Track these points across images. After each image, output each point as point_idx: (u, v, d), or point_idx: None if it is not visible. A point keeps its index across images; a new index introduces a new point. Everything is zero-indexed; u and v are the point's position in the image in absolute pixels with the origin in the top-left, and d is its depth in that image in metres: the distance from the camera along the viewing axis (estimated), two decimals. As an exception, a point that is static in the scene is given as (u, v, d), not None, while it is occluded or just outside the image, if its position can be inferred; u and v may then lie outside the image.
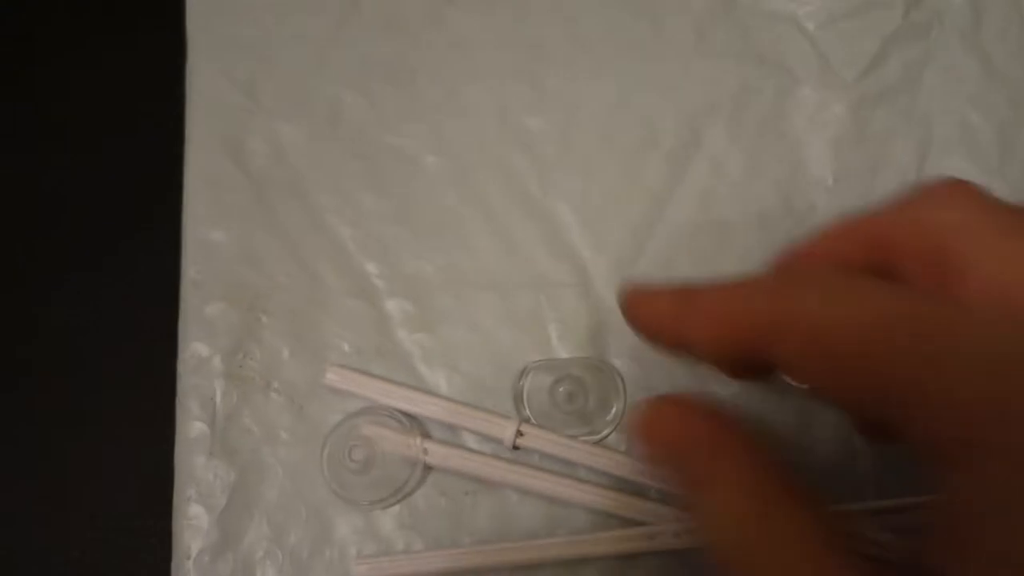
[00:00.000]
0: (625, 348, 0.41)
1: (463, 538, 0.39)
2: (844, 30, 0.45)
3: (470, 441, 0.40)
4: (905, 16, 0.45)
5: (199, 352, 0.41)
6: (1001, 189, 0.43)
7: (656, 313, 0.26)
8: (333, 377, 0.40)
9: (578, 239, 0.42)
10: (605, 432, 0.40)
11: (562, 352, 0.41)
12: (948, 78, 0.45)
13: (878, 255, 0.25)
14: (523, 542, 0.38)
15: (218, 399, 0.40)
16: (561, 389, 0.40)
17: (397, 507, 0.39)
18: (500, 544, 0.38)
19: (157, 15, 0.46)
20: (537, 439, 0.39)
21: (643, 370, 0.41)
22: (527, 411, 0.40)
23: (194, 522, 0.39)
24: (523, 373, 0.40)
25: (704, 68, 0.45)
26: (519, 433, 0.39)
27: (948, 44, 0.45)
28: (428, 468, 0.39)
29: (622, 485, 0.39)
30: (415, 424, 0.39)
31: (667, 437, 0.23)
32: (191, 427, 0.40)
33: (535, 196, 0.43)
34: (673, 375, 0.40)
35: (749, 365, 0.24)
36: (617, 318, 0.41)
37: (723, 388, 0.40)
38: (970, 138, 0.44)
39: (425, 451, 0.39)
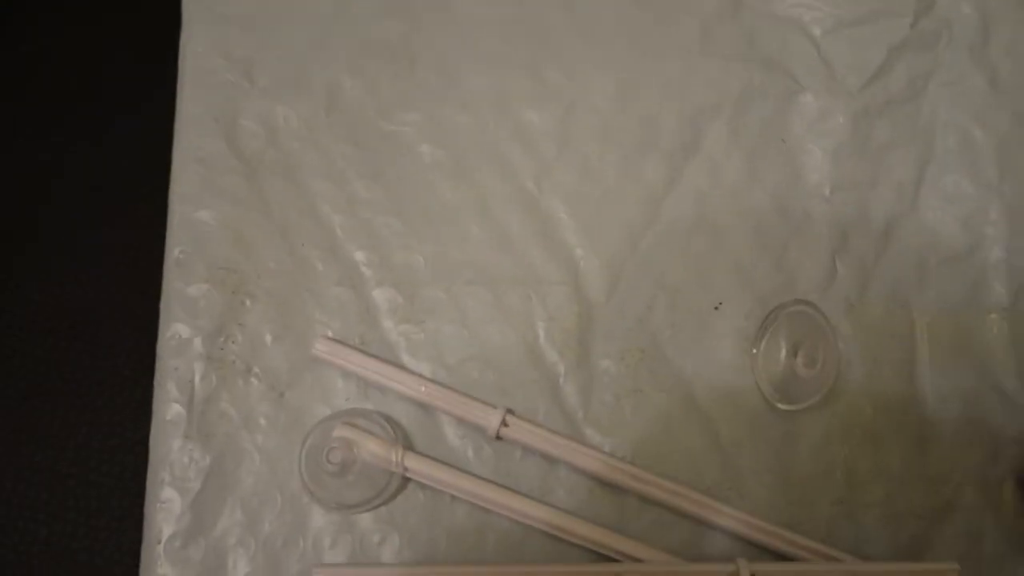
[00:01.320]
0: (612, 349, 0.40)
1: (440, 535, 0.38)
2: (851, 37, 0.45)
3: (451, 431, 0.40)
4: (914, 25, 0.45)
5: (180, 333, 0.40)
6: (997, 206, 0.42)
7: None
8: (321, 348, 0.40)
9: (572, 237, 0.42)
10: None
11: (550, 350, 0.40)
12: (953, 91, 0.44)
13: None
14: (486, 567, 0.38)
15: (197, 381, 0.40)
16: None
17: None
18: (463, 568, 0.38)
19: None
20: (521, 431, 0.39)
21: (629, 370, 0.40)
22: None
23: (167, 505, 0.38)
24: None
25: (708, 68, 0.44)
26: (504, 423, 0.38)
27: (956, 56, 0.45)
28: (406, 480, 0.39)
29: (602, 489, 0.39)
30: (398, 433, 0.39)
31: None
32: (168, 408, 0.39)
33: (531, 191, 0.42)
34: (659, 377, 0.40)
35: None
36: (604, 318, 0.41)
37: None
38: (970, 153, 0.43)
39: (405, 468, 0.38)
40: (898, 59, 0.44)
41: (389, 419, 0.39)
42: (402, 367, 0.40)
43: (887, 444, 0.40)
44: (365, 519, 0.38)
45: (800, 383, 0.40)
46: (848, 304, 0.41)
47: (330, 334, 0.41)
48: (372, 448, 0.38)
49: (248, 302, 0.41)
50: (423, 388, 0.39)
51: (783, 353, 0.40)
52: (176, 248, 0.41)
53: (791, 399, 0.39)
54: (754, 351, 0.40)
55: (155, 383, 0.40)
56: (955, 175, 0.43)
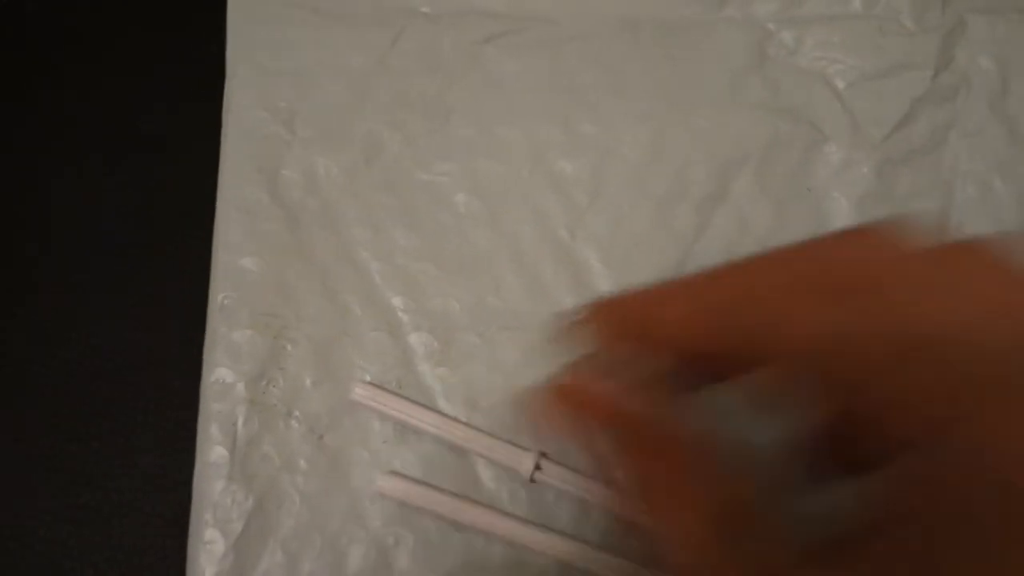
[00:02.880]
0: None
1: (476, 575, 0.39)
2: (873, 90, 0.46)
3: (486, 474, 0.40)
4: (935, 78, 0.46)
5: (223, 378, 0.41)
6: (1021, 256, 0.43)
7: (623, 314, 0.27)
8: (360, 392, 0.41)
9: (604, 284, 0.43)
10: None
11: (582, 395, 0.41)
12: (973, 142, 0.45)
13: None
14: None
15: (239, 425, 0.41)
16: None
17: (412, 541, 0.39)
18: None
19: (198, 42, 0.47)
20: (555, 474, 0.39)
21: (661, 416, 0.41)
22: None
23: (210, 546, 0.39)
24: None
25: (735, 119, 0.46)
26: (537, 466, 0.39)
27: (975, 108, 0.46)
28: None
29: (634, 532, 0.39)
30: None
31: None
32: (211, 451, 0.40)
33: (564, 239, 0.44)
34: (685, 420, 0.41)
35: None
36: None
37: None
38: (992, 203, 0.44)
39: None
40: (920, 111, 0.46)
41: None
42: (438, 411, 0.41)
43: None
44: (402, 560, 0.39)
45: None
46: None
47: (368, 378, 0.42)
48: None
49: (289, 347, 0.42)
50: (458, 432, 0.40)
51: None
52: (220, 294, 0.42)
53: None
54: None
55: (199, 426, 0.41)
56: (976, 224, 0.44)
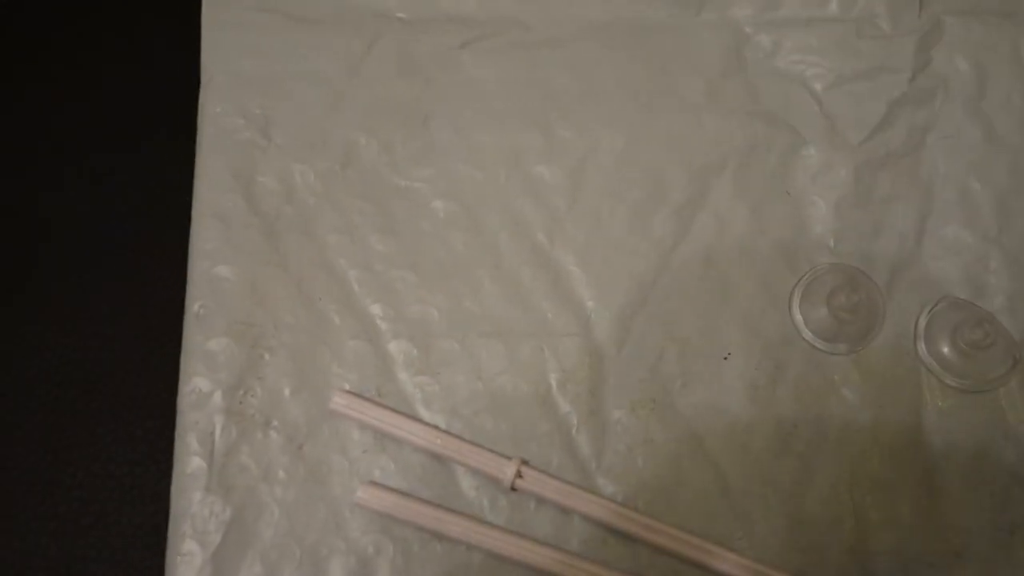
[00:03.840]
0: (624, 400, 0.41)
1: (457, 585, 0.39)
2: (852, 92, 0.46)
3: (466, 483, 0.40)
4: (912, 80, 0.46)
5: (200, 387, 0.41)
6: (998, 258, 0.43)
7: None
8: (339, 401, 0.40)
9: (583, 289, 0.43)
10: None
11: (562, 401, 0.41)
12: (951, 145, 0.45)
13: None
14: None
15: (217, 435, 0.40)
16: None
17: (392, 550, 0.39)
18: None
19: (173, 47, 0.47)
20: (535, 482, 0.39)
21: (640, 421, 0.41)
22: None
23: (187, 558, 0.39)
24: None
25: (713, 123, 0.46)
26: (518, 474, 0.39)
27: (952, 111, 0.46)
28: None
29: (615, 538, 0.39)
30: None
31: None
32: (189, 462, 0.40)
33: (542, 245, 0.43)
34: (670, 428, 0.41)
35: None
36: (615, 369, 0.42)
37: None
38: (970, 205, 0.45)
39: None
40: (897, 114, 0.46)
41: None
42: (418, 419, 0.41)
43: (897, 491, 0.40)
44: (383, 570, 0.39)
45: (842, 327, 0.42)
46: (853, 351, 0.42)
47: (347, 387, 0.41)
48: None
49: (267, 356, 0.42)
50: (439, 440, 0.40)
51: (823, 298, 0.42)
52: (196, 303, 0.42)
53: (833, 343, 0.42)
54: (794, 301, 0.43)
55: (176, 436, 0.40)
56: (955, 226, 0.44)
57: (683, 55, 0.47)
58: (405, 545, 0.39)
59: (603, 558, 0.39)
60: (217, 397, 0.41)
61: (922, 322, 0.42)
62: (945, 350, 0.42)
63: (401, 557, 0.39)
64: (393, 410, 0.41)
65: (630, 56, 0.47)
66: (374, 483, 0.40)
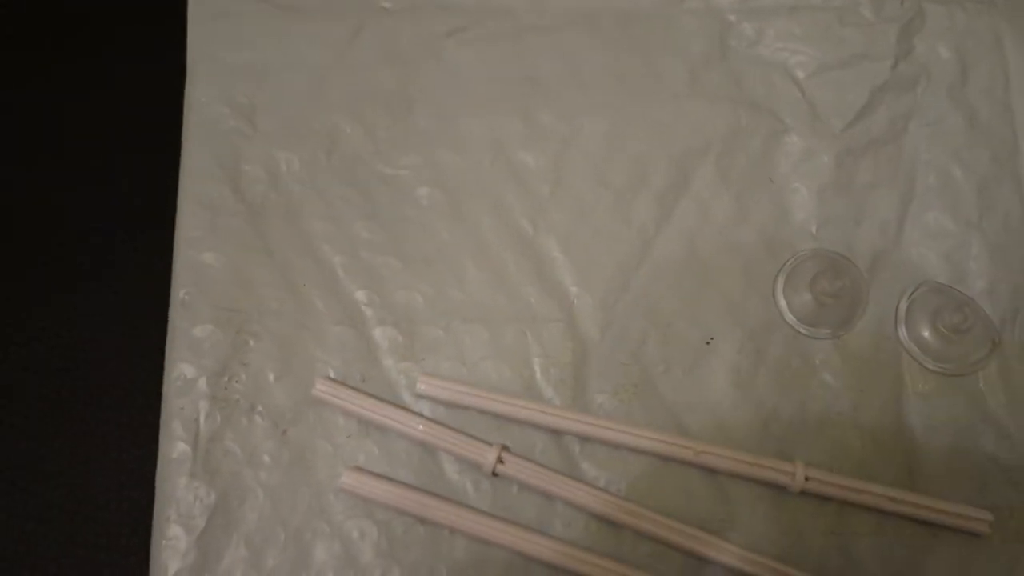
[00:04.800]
0: (607, 385, 0.42)
1: (440, 568, 0.39)
2: (834, 80, 0.46)
3: (450, 467, 0.40)
4: (894, 68, 0.46)
5: (185, 373, 0.41)
6: (979, 244, 0.44)
7: None
8: (321, 388, 0.41)
9: (566, 275, 0.43)
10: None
11: (546, 386, 0.41)
12: (933, 131, 0.46)
13: None
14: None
15: (202, 420, 0.41)
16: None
17: (376, 534, 0.39)
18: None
19: (159, 36, 0.47)
20: (517, 467, 0.39)
21: (623, 405, 0.41)
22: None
23: (173, 542, 0.39)
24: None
25: (696, 110, 0.46)
26: (500, 460, 0.39)
27: (935, 98, 0.46)
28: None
29: (598, 523, 0.40)
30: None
31: None
32: (174, 447, 0.40)
33: (526, 231, 0.44)
34: (652, 412, 0.41)
35: None
36: (598, 354, 0.42)
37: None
38: (951, 192, 0.45)
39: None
40: (880, 101, 0.46)
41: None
42: (401, 406, 0.41)
43: (876, 475, 0.40)
44: (367, 553, 0.39)
45: (825, 311, 0.42)
46: (835, 336, 0.42)
47: (331, 373, 0.42)
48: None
49: (252, 342, 0.42)
50: (420, 427, 0.40)
51: (806, 284, 0.43)
52: (181, 290, 0.42)
53: (816, 328, 0.43)
54: (777, 286, 0.43)
55: (161, 422, 0.41)
56: (936, 212, 0.44)
57: (667, 42, 0.47)
58: (389, 529, 0.39)
59: (586, 542, 0.39)
60: (202, 383, 0.41)
61: (903, 307, 0.43)
62: (926, 334, 0.42)
63: (385, 541, 0.39)
64: (375, 397, 0.41)
65: (614, 43, 0.47)
66: (358, 468, 0.40)
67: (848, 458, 0.41)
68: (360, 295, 0.43)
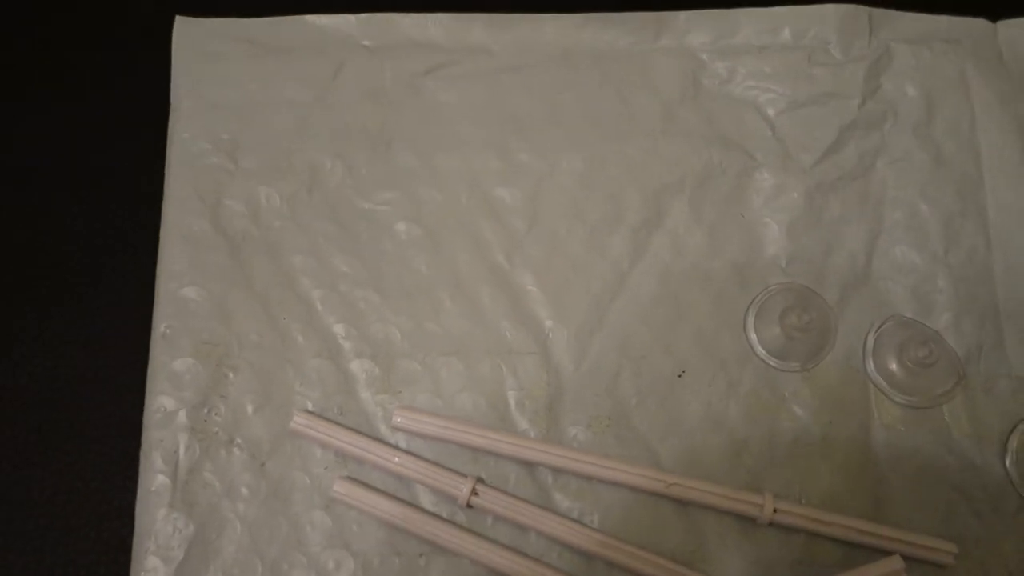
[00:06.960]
0: (581, 417, 0.42)
1: (416, 599, 0.40)
2: (803, 117, 0.48)
3: (426, 499, 0.41)
4: (862, 106, 0.48)
5: (165, 406, 0.42)
6: (945, 278, 0.45)
7: None
8: (299, 421, 0.41)
9: (541, 309, 0.44)
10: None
11: (520, 418, 0.42)
12: (900, 168, 0.47)
13: None
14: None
15: (181, 453, 0.41)
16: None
17: (352, 565, 0.40)
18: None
19: (143, 76, 0.48)
20: (491, 499, 0.40)
21: (597, 437, 0.42)
22: None
23: (152, 574, 0.39)
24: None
25: (670, 147, 0.47)
26: (474, 492, 0.40)
27: (902, 135, 0.47)
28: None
29: (571, 554, 0.40)
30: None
31: None
32: (153, 479, 0.41)
33: (502, 266, 0.45)
34: (626, 444, 0.42)
35: None
36: (572, 387, 0.43)
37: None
38: (918, 226, 0.46)
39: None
40: (848, 138, 0.47)
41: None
42: (377, 438, 0.42)
43: (844, 504, 0.41)
44: (343, 585, 0.40)
45: (794, 345, 0.43)
46: (804, 369, 0.43)
47: (310, 405, 0.42)
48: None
49: (231, 374, 0.42)
50: (396, 459, 0.41)
51: (776, 318, 0.44)
52: (162, 324, 0.43)
53: (785, 360, 0.43)
54: (748, 320, 0.44)
55: (141, 454, 0.41)
56: (903, 246, 0.45)
57: (642, 81, 0.48)
58: (365, 560, 0.40)
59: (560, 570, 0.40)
60: (182, 416, 0.42)
61: (871, 340, 0.44)
62: (892, 367, 0.43)
63: (361, 571, 0.40)
64: (352, 430, 0.42)
65: (590, 82, 0.48)
66: (350, 478, 0.41)
67: (817, 488, 0.41)
68: (338, 328, 0.44)
